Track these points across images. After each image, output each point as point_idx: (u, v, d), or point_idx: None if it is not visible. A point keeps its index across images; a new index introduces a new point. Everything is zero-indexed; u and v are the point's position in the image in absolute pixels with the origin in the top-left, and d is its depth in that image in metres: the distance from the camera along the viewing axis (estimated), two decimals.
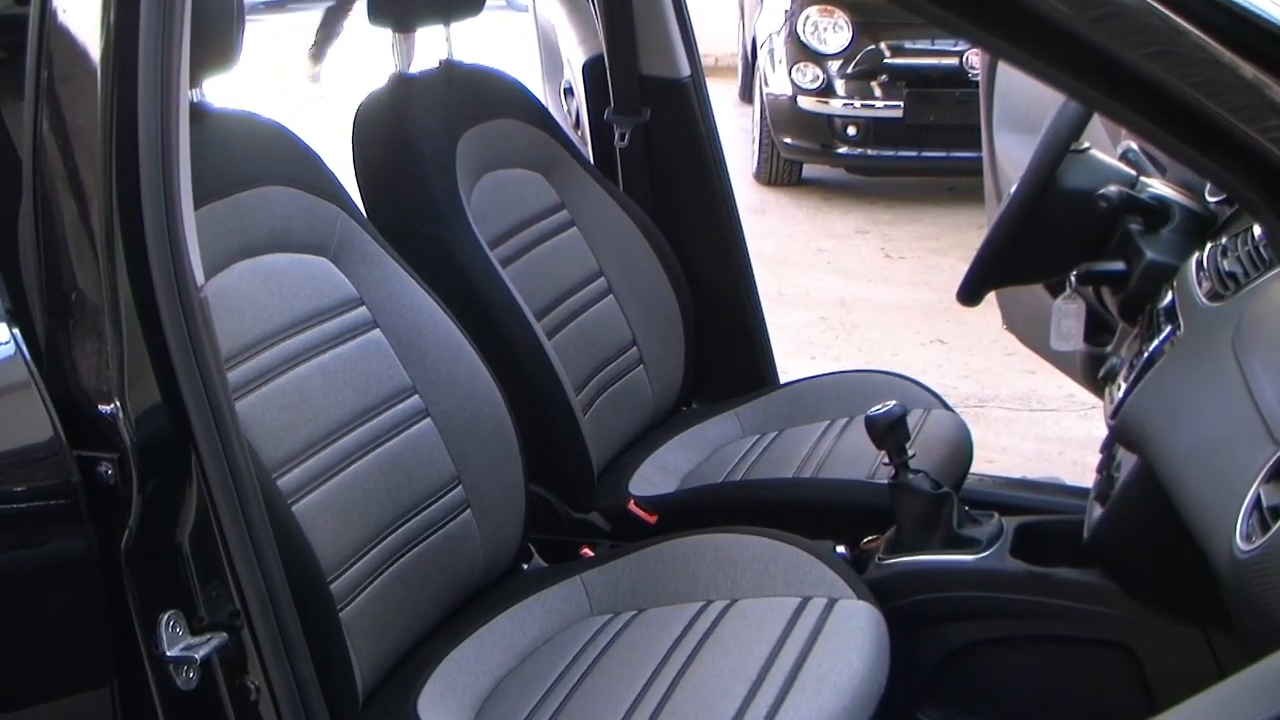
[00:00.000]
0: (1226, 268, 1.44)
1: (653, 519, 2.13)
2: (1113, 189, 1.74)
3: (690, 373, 2.53)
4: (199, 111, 1.58)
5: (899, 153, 6.41)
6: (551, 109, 2.65)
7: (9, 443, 1.23)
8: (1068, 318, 1.85)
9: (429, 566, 1.73)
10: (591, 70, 2.66)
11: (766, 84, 6.84)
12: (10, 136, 1.57)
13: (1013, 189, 1.81)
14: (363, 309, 1.77)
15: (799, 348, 4.53)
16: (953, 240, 5.89)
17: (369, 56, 2.61)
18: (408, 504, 1.72)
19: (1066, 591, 1.75)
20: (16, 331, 1.25)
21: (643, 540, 1.90)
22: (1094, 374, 1.87)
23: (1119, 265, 1.73)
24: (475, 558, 1.81)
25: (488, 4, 2.24)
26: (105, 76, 1.18)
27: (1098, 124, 1.99)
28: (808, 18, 6.54)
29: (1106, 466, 1.68)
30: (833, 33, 6.51)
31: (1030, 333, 2.41)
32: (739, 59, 9.24)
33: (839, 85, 6.47)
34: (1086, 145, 1.81)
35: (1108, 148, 1.98)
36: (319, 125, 2.31)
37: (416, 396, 1.78)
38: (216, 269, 1.55)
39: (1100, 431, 1.70)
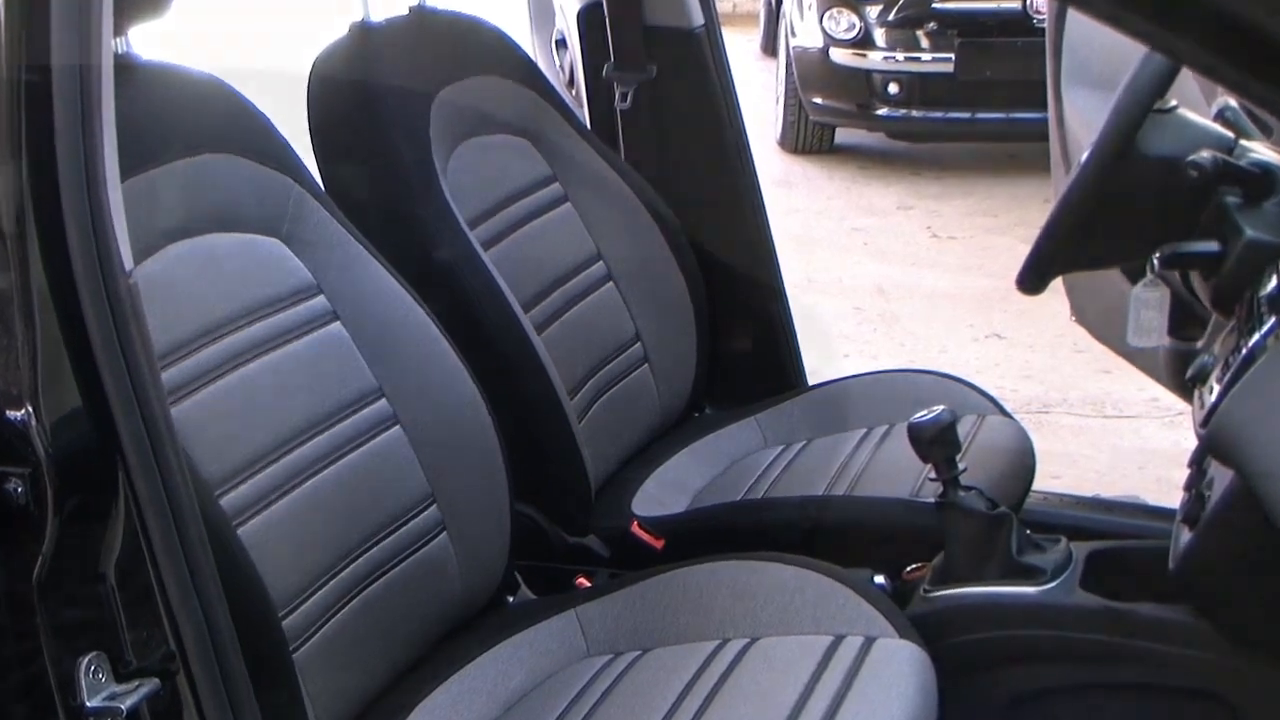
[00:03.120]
0: None
1: (659, 543, 2.14)
2: (1205, 155, 1.73)
3: (703, 373, 2.54)
4: (126, 64, 1.58)
5: (949, 114, 6.42)
6: (541, 64, 2.65)
7: None
8: (1149, 308, 1.84)
9: (398, 599, 1.73)
10: (588, 19, 2.67)
11: (793, 34, 6.85)
12: None
13: (1084, 156, 1.80)
14: (320, 298, 1.77)
15: (830, 344, 4.55)
16: (1012, 217, 5.90)
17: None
18: (373, 526, 1.72)
19: (1148, 631, 1.75)
20: None
21: (648, 568, 1.90)
22: (1180, 374, 1.86)
23: (1212, 245, 1.71)
24: (452, 589, 1.82)
25: None
26: (11, 21, 1.17)
27: (1188, 77, 1.98)
28: None
29: (1196, 483, 1.67)
30: None
31: (1104, 326, 2.40)
32: (761, 5, 9.25)
33: (879, 35, 6.47)
34: (1173, 103, 1.80)
35: (1200, 106, 1.96)
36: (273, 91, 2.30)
37: (384, 400, 1.78)
38: (148, 251, 1.55)
39: (1188, 442, 1.69)
